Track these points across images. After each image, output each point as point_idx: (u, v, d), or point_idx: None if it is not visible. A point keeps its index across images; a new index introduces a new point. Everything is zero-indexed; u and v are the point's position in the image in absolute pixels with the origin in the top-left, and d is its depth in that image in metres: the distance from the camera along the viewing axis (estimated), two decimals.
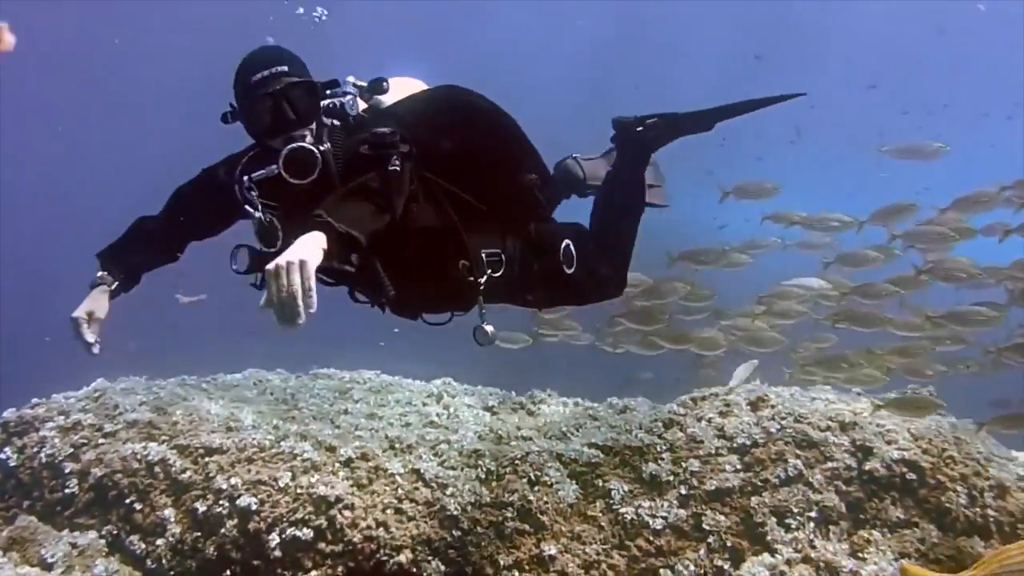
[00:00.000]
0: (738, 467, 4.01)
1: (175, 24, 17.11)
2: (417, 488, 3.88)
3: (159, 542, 3.78)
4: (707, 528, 3.75)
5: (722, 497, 3.89)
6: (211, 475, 3.93)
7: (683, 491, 3.90)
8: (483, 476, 4.02)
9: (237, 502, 3.77)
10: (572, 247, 2.99)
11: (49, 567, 3.64)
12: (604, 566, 3.63)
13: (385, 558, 3.59)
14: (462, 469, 4.07)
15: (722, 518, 3.79)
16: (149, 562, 3.75)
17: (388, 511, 3.75)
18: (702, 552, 3.68)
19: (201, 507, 3.81)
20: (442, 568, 3.57)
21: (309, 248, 1.98)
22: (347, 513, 3.72)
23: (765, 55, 15.07)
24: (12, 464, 4.21)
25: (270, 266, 1.92)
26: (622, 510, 3.83)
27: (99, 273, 2.66)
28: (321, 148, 2.45)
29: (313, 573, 3.59)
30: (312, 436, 4.25)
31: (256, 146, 2.61)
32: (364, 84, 2.73)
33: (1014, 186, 4.91)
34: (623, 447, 4.19)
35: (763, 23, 17.61)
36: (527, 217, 2.92)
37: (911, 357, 4.84)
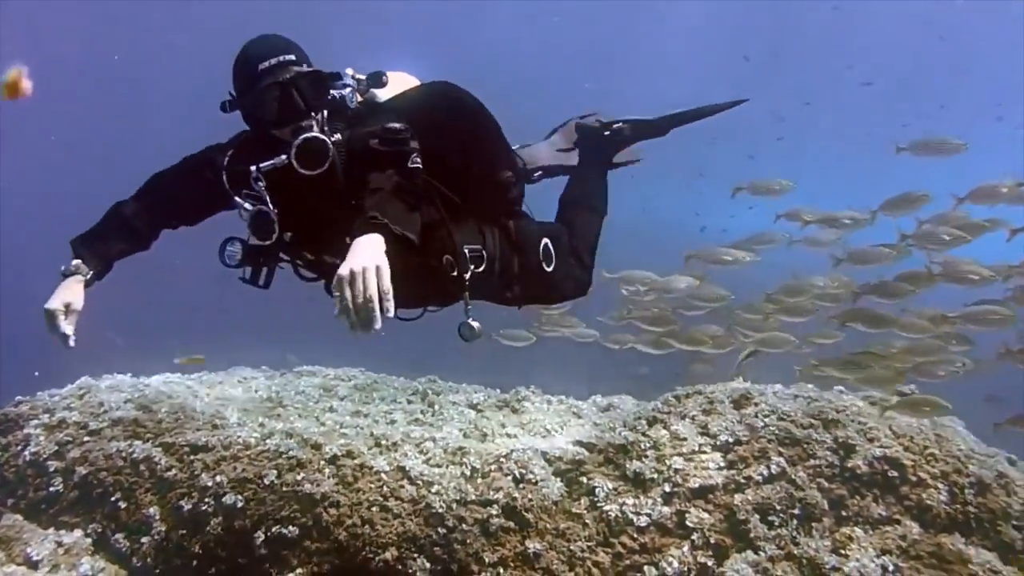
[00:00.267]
0: (721, 465, 4.04)
1: (175, 24, 17.05)
2: (402, 485, 3.89)
3: (144, 540, 3.78)
4: (691, 525, 3.78)
5: (706, 494, 3.91)
6: (196, 473, 3.94)
7: (667, 488, 3.93)
8: (468, 473, 4.04)
9: (223, 500, 3.77)
10: (551, 245, 3.02)
11: (35, 566, 3.64)
12: (589, 563, 3.66)
13: (371, 555, 3.60)
14: (447, 467, 4.09)
15: (706, 515, 3.82)
16: (135, 560, 3.76)
17: (374, 508, 3.75)
18: (686, 549, 3.71)
19: (187, 505, 3.81)
20: (427, 565, 3.58)
21: (379, 252, 1.98)
22: (332, 511, 3.73)
23: (752, 56, 15.13)
24: None
25: (342, 272, 1.91)
26: (606, 507, 3.85)
27: (73, 261, 2.52)
28: (332, 139, 2.44)
29: (299, 571, 3.60)
30: (297, 434, 4.26)
31: (243, 135, 2.59)
32: (363, 77, 2.72)
33: None
34: (607, 445, 4.21)
35: (759, 24, 17.71)
36: (502, 213, 2.94)
37: (921, 357, 4.79)
